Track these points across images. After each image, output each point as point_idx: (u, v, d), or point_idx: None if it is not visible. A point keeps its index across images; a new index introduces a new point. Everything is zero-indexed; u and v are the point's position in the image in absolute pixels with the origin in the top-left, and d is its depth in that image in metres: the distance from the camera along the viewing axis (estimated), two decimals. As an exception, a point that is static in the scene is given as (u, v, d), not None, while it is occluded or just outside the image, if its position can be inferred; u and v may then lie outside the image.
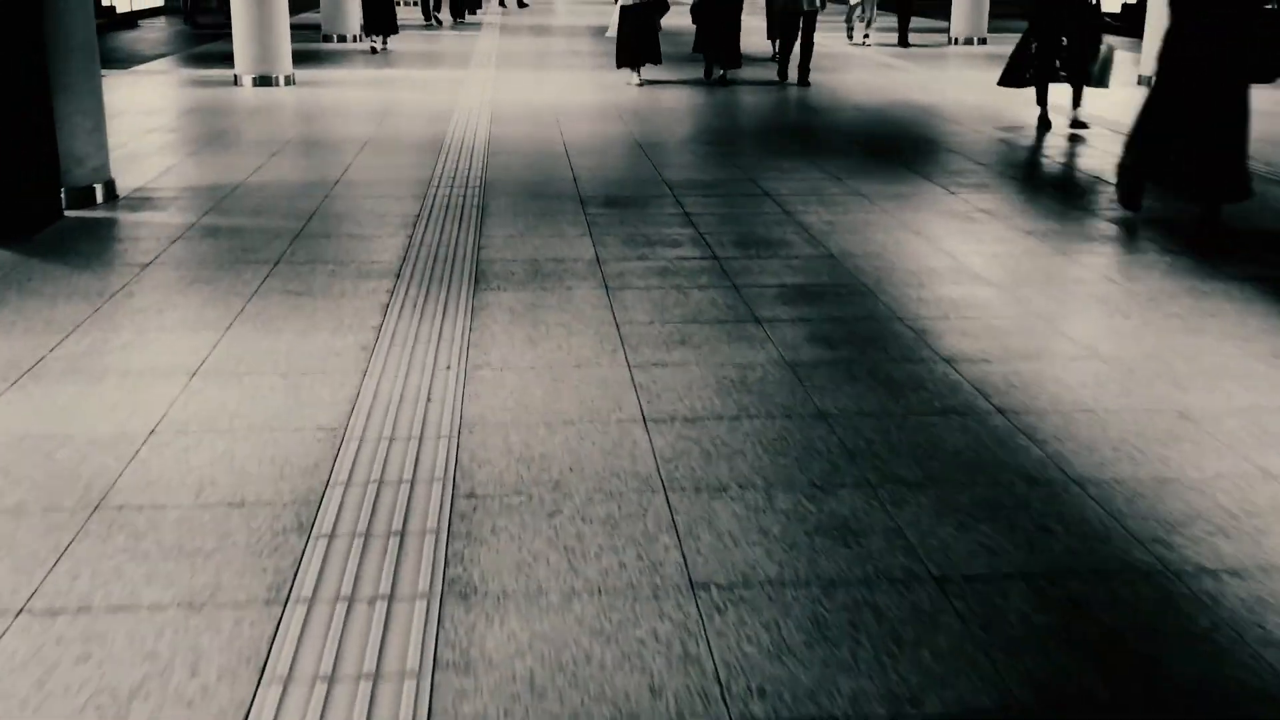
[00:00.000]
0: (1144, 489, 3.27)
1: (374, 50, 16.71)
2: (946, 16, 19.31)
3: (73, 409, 3.74)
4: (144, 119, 9.97)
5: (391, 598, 2.64)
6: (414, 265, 5.51)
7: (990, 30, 18.97)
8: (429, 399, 3.85)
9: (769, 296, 5.11)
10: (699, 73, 13.70)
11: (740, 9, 12.94)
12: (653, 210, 6.79)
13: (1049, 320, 4.80)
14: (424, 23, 22.00)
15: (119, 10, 22.14)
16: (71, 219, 6.40)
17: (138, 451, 3.42)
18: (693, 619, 2.58)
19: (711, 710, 2.29)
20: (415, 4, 24.34)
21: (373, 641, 2.48)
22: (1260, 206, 6.78)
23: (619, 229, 6.31)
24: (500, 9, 27.93)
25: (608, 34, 13.45)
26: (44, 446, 3.46)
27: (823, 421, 3.72)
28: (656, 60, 12.90)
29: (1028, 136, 9.56)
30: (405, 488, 3.22)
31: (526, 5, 28.94)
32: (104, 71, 13.15)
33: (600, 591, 2.68)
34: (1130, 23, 18.42)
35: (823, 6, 13.26)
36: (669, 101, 11.77)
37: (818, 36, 13.65)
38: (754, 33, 15.30)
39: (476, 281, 5.26)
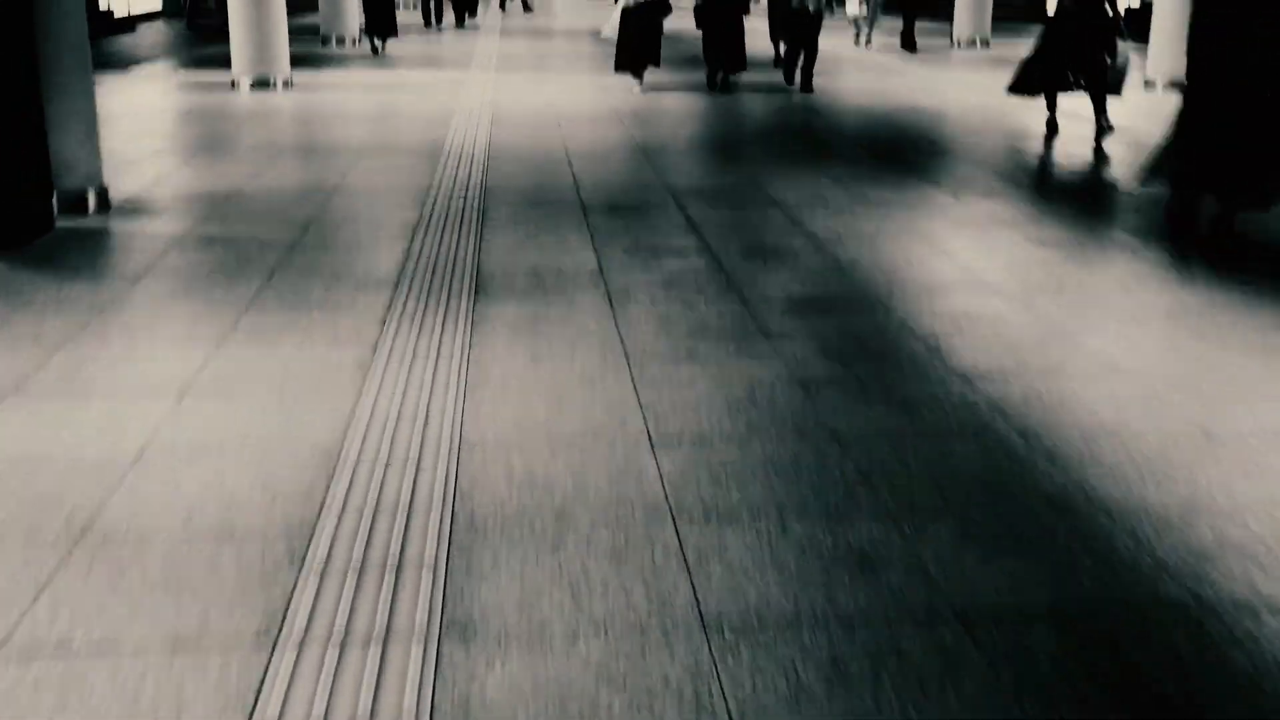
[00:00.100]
0: (1173, 516, 3.13)
1: (375, 51, 16.60)
2: (949, 19, 19.18)
3: (58, 430, 3.61)
4: (139, 123, 9.84)
5: (387, 639, 2.51)
6: (412, 276, 5.38)
7: (993, 33, 18.83)
8: (427, 418, 3.72)
9: (777, 308, 4.97)
10: (700, 75, 13.56)
11: (743, 12, 12.79)
12: (656, 218, 6.66)
13: (1065, 334, 4.66)
14: (424, 26, 21.87)
15: (116, 14, 22.04)
16: (63, 227, 6.26)
17: (124, 476, 3.29)
18: (705, 662, 2.44)
19: (726, 763, 2.15)
20: (415, 7, 24.22)
21: (366, 687, 2.34)
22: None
23: (622, 237, 6.17)
24: (500, 12, 27.82)
25: (603, 34, 13.27)
26: (27, 470, 3.32)
27: (836, 443, 3.58)
28: (655, 62, 12.77)
29: (1035, 142, 9.43)
30: (402, 515, 3.08)
31: (531, 10, 28.82)
32: (100, 75, 13.06)
33: (607, 632, 2.55)
34: (1135, 27, 18.27)
35: (830, 11, 13.13)
36: (671, 105, 11.64)
37: (821, 41, 13.51)
38: (758, 35, 15.13)
39: (477, 293, 5.13)
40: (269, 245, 5.89)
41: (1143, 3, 9.09)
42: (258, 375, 4.09)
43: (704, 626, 2.57)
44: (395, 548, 2.90)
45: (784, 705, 2.30)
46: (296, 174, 7.86)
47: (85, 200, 6.60)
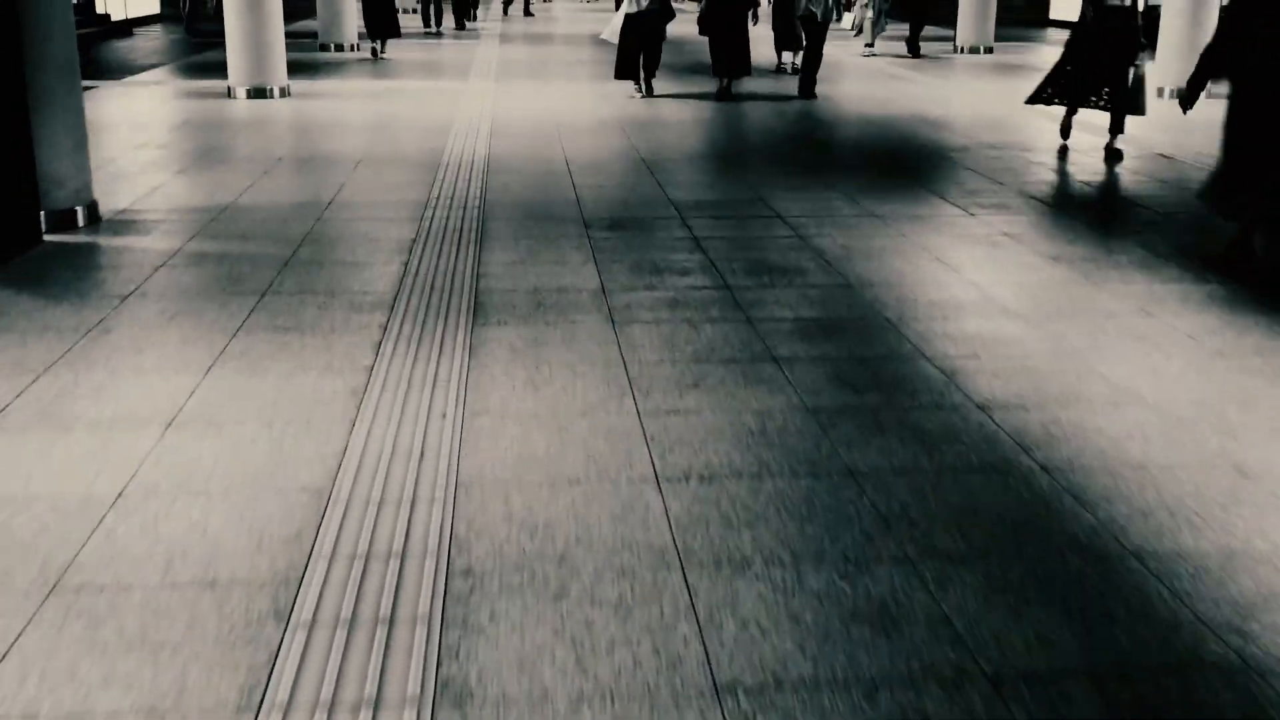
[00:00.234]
0: (1210, 563, 2.97)
1: (375, 54, 16.46)
2: (952, 25, 19.03)
3: (36, 466, 3.44)
4: (133, 134, 9.67)
5: (377, 705, 2.34)
6: (409, 296, 5.21)
7: (996, 39, 18.68)
8: (422, 453, 3.55)
9: (785, 331, 4.81)
10: (703, 83, 13.41)
11: (747, 17, 12.63)
12: (659, 233, 6.49)
13: (1085, 360, 4.49)
14: (424, 29, 21.72)
15: (114, 18, 21.90)
16: (51, 244, 6.10)
17: (103, 518, 3.12)
18: (719, 733, 2.28)
19: None
20: (415, 11, 24.08)
21: (355, 763, 2.18)
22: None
23: (625, 255, 6.01)
24: (503, 16, 27.70)
25: (603, 36, 13.08)
26: (0, 512, 3.15)
27: (852, 480, 3.42)
28: (654, 70, 12.63)
29: (1043, 153, 9.26)
30: (395, 562, 2.91)
31: (532, 15, 28.70)
32: (95, 83, 12.91)
33: (612, 697, 2.38)
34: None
35: (837, 19, 12.97)
36: (673, 114, 11.48)
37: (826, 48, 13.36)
38: (763, 42, 14.96)
39: (475, 315, 4.96)
40: (262, 262, 5.73)
41: (1148, 6, 8.82)
42: (247, 405, 3.93)
43: (716, 690, 2.41)
44: (388, 599, 2.74)
45: (805, 784, 2.14)
46: (291, 186, 7.69)
47: (74, 216, 6.43)
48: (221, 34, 12.29)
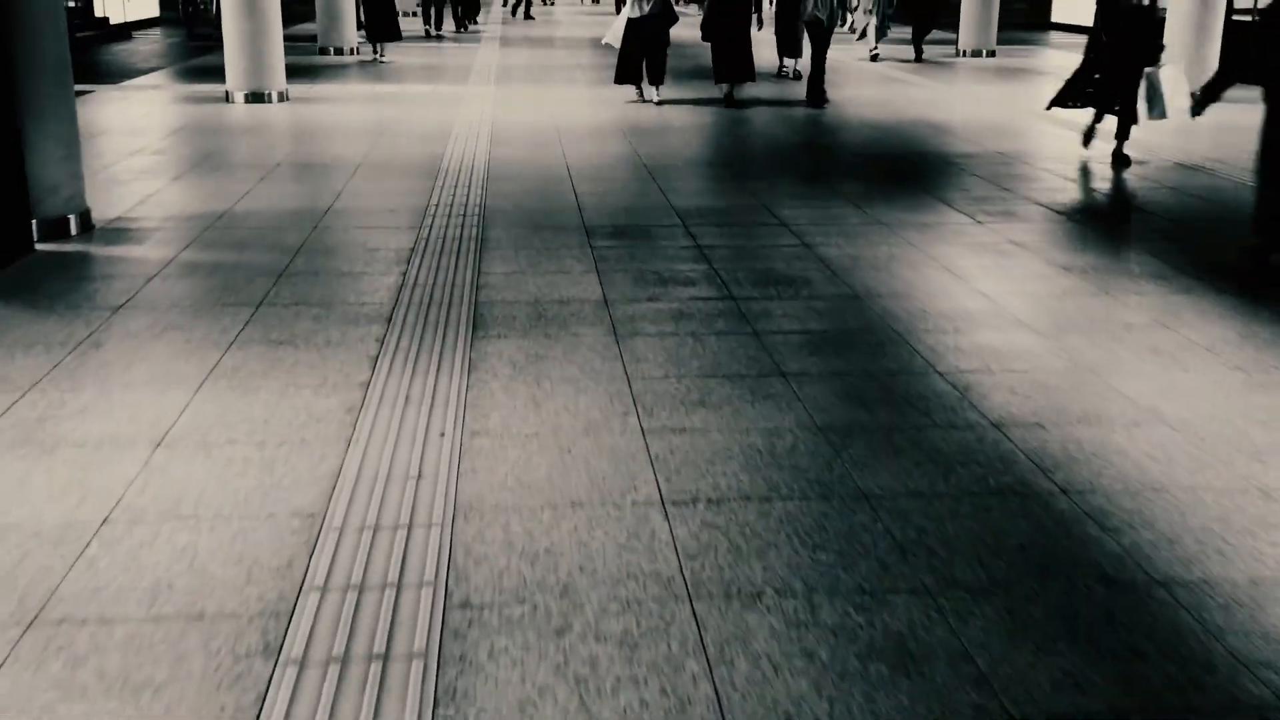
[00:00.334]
0: (1240, 594, 2.84)
1: (375, 54, 16.35)
2: (954, 29, 18.90)
3: (18, 491, 3.31)
4: (128, 139, 9.55)
5: (370, 753, 2.22)
6: (407, 308, 5.09)
7: (998, 43, 18.56)
8: (419, 476, 3.43)
9: (793, 344, 4.69)
10: (705, 88, 13.28)
11: (749, 22, 12.50)
12: (663, 243, 6.37)
13: (1102, 375, 4.37)
14: (425, 32, 21.60)
15: (112, 21, 21.78)
16: (43, 253, 5.98)
17: (86, 547, 3.00)
18: (732, 784, 2.15)
19: None
20: (415, 14, 23.97)
21: (346, 818, 2.05)
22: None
23: (628, 265, 5.89)
24: (510, 17, 27.61)
25: (604, 40, 12.96)
26: (-20, 539, 3.03)
27: (865, 504, 3.29)
28: (659, 76, 12.49)
29: (1053, 160, 9.14)
30: (390, 593, 2.79)
31: (533, 18, 28.60)
32: (91, 87, 12.78)
33: (619, 743, 2.26)
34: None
35: (843, 24, 12.83)
36: (675, 119, 11.35)
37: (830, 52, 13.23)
38: (766, 46, 14.80)
39: (474, 327, 4.84)
40: (257, 273, 5.61)
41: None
42: (238, 424, 3.80)
43: (728, 736, 2.29)
44: (382, 634, 2.61)
45: (824, 842, 2.01)
46: (288, 194, 7.57)
47: (67, 224, 6.31)
48: (221, 38, 12.17)
